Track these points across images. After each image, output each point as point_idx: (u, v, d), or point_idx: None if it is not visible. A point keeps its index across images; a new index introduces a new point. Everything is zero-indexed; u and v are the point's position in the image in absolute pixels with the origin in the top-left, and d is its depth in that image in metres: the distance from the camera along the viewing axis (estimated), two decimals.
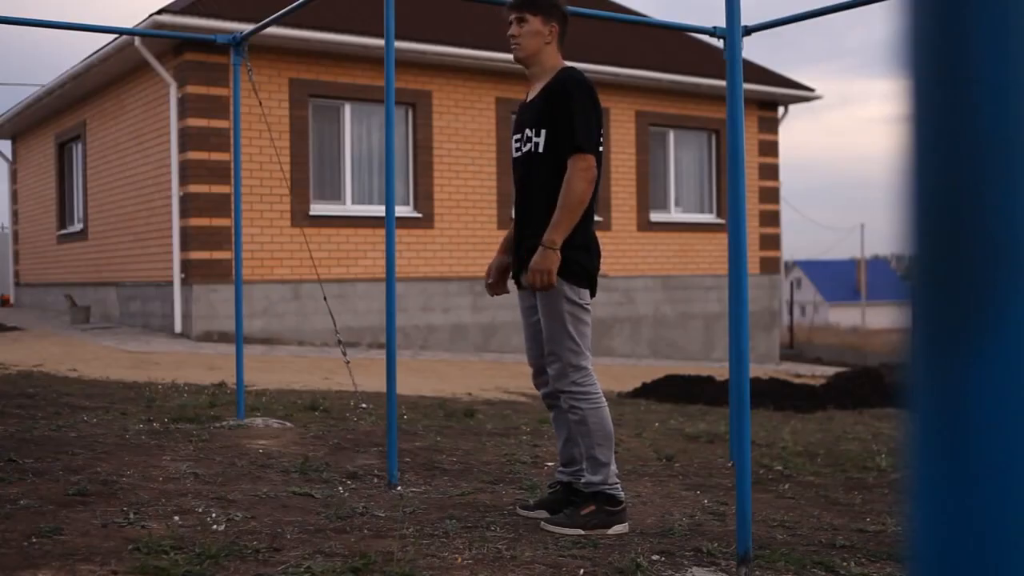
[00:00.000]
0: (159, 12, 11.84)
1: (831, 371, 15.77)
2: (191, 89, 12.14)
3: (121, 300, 14.53)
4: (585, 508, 3.69)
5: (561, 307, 3.68)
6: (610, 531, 3.67)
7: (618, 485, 3.74)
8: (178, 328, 12.54)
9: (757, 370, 14.07)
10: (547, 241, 3.60)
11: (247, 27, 7.19)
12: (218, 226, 12.25)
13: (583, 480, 3.76)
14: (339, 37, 12.44)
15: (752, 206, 16.71)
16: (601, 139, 3.73)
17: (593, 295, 3.78)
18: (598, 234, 3.90)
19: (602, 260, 3.84)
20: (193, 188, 12.18)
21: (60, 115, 16.96)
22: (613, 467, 3.73)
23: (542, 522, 3.72)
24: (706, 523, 3.95)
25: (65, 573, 2.85)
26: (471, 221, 13.99)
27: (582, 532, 3.62)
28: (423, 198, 13.59)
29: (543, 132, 3.72)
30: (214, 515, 3.62)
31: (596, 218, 3.94)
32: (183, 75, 12.23)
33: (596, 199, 3.74)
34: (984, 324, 0.47)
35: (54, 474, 4.20)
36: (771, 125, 17.03)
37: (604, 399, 3.78)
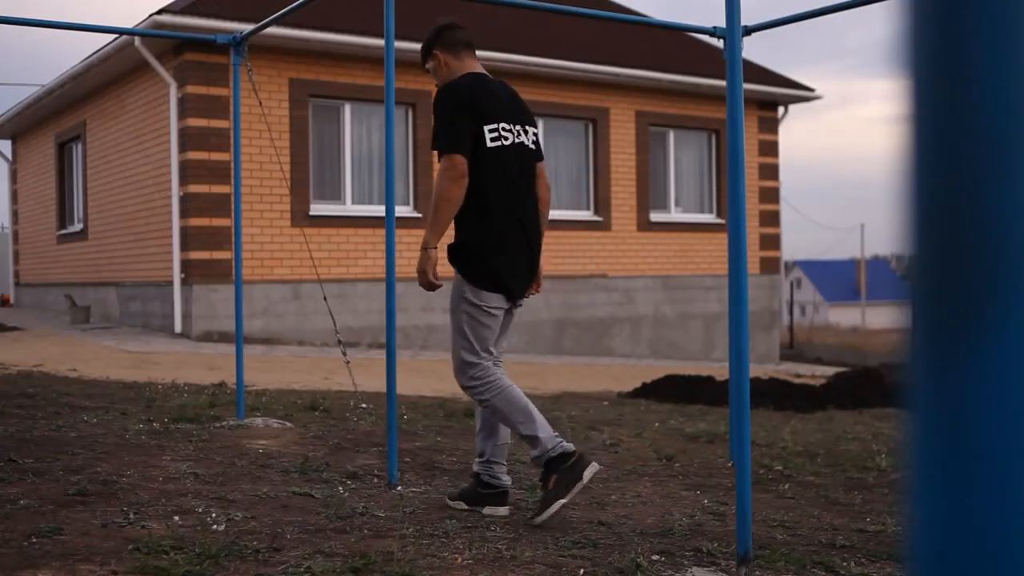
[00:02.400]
0: (159, 12, 11.84)
1: (831, 371, 15.77)
2: (191, 89, 12.14)
3: (121, 300, 14.53)
4: (550, 481, 3.70)
5: (459, 307, 3.76)
6: (585, 475, 3.68)
7: (561, 443, 3.72)
8: (178, 328, 12.55)
9: (757, 370, 14.07)
10: (423, 242, 3.68)
11: (247, 27, 7.19)
12: (218, 226, 12.25)
13: (531, 458, 3.81)
14: (339, 37, 12.44)
15: (752, 206, 16.71)
16: (494, 135, 3.71)
17: (512, 296, 3.79)
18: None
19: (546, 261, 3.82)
20: (193, 188, 12.18)
21: (60, 115, 16.96)
22: (544, 433, 3.69)
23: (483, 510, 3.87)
24: (706, 523, 3.96)
25: (65, 573, 2.85)
26: None
27: (563, 501, 3.66)
28: (423, 198, 13.59)
29: None
30: (214, 515, 3.62)
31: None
32: (183, 75, 12.23)
33: (517, 200, 3.75)
34: (984, 324, 0.47)
35: (54, 474, 4.20)
36: (771, 125, 17.03)
37: (505, 381, 3.78)
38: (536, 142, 3.93)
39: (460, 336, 3.77)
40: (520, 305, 3.95)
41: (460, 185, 3.63)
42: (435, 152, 3.76)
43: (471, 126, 3.68)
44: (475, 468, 4.00)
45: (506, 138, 3.74)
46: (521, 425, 3.73)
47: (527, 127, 3.88)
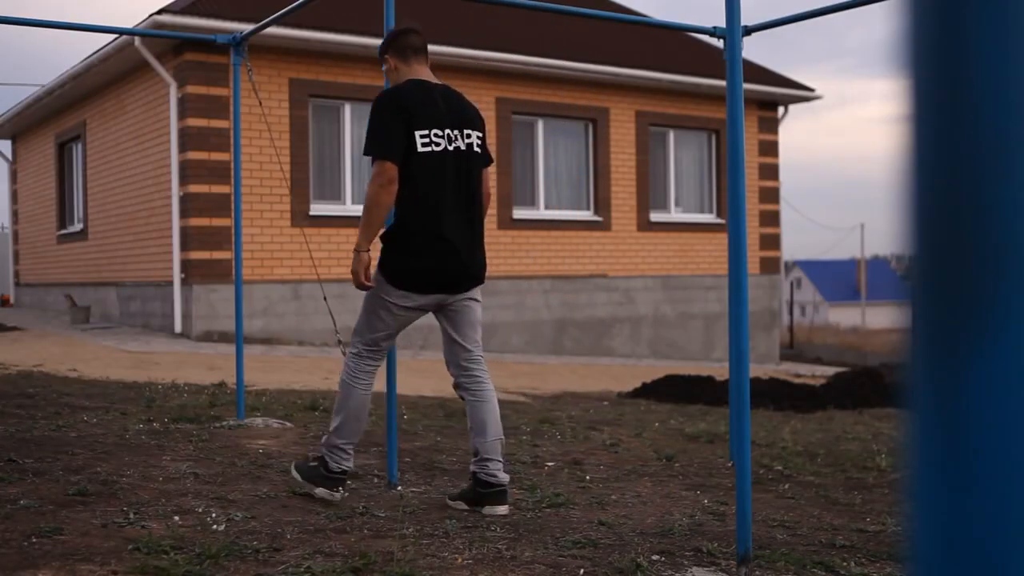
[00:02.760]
0: (159, 12, 11.83)
1: (831, 371, 15.77)
2: (191, 89, 12.14)
3: (121, 300, 14.53)
4: (319, 466, 4.03)
5: (370, 294, 3.95)
6: (316, 491, 3.97)
7: (339, 456, 3.97)
8: (178, 328, 12.54)
9: (757, 370, 14.07)
10: (355, 245, 3.85)
11: (247, 27, 7.18)
12: (218, 226, 12.25)
13: (322, 439, 4.07)
14: (339, 37, 12.44)
15: (752, 206, 16.71)
16: (425, 141, 3.84)
17: (436, 291, 3.92)
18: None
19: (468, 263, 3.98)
20: (193, 188, 12.18)
21: (60, 115, 16.96)
22: (340, 440, 3.97)
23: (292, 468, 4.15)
24: (706, 523, 3.95)
25: (65, 573, 2.85)
26: None
27: (300, 479, 4.03)
28: None
29: None
30: (214, 515, 3.62)
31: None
32: (183, 75, 12.23)
33: (447, 203, 3.88)
34: (984, 324, 0.47)
35: (54, 474, 4.20)
36: (771, 125, 17.03)
37: (362, 382, 3.99)
38: (481, 146, 4.03)
39: (360, 320, 4.01)
40: (479, 296, 4.11)
41: (389, 191, 3.78)
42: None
43: (402, 131, 3.80)
44: (472, 468, 4.04)
45: (438, 144, 3.85)
46: (336, 416, 4.02)
47: (468, 131, 3.97)
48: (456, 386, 4.15)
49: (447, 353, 4.12)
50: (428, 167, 3.83)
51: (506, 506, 3.97)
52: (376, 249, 3.95)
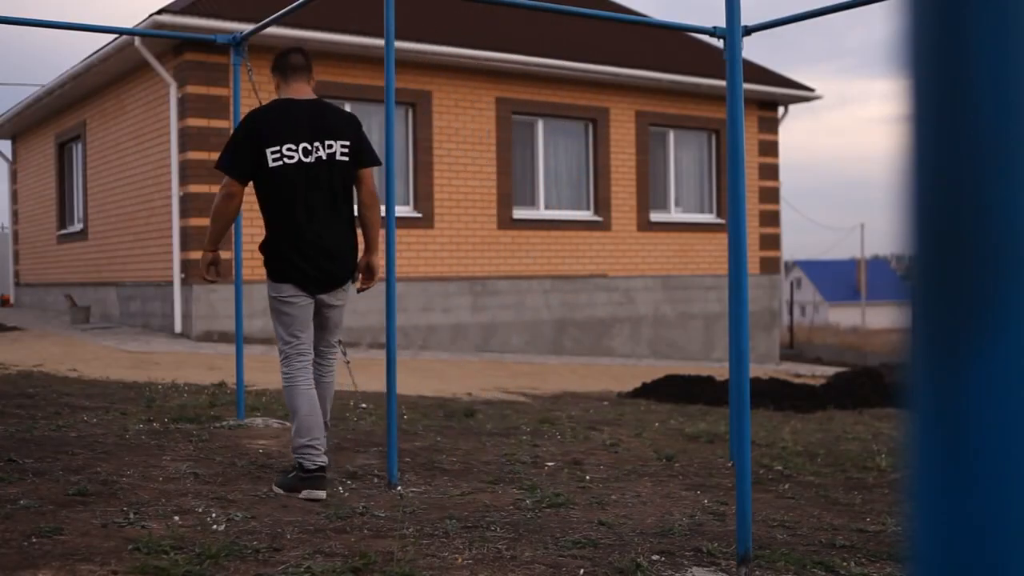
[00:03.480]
0: (159, 12, 11.83)
1: (831, 371, 15.77)
2: (191, 89, 12.14)
3: (121, 300, 14.53)
4: (291, 471, 4.26)
5: (270, 301, 4.40)
6: (302, 495, 4.09)
7: (309, 454, 4.16)
8: (178, 328, 12.54)
9: (757, 370, 14.07)
10: (204, 245, 4.47)
11: (247, 27, 7.18)
12: None
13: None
14: (339, 37, 12.44)
15: (752, 206, 16.70)
16: (275, 156, 4.22)
17: (306, 288, 4.29)
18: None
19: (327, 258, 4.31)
20: (193, 188, 12.18)
21: (60, 115, 16.96)
22: (304, 439, 4.17)
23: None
24: (706, 523, 3.95)
25: (65, 573, 2.85)
26: (471, 221, 13.99)
27: (282, 492, 4.14)
28: (423, 198, 13.59)
29: None
30: (214, 515, 3.62)
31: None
32: (183, 75, 12.23)
33: (306, 206, 4.24)
34: (984, 324, 0.47)
35: (54, 474, 4.20)
36: (771, 125, 17.03)
37: (301, 380, 4.27)
38: (348, 152, 4.32)
39: (275, 328, 4.40)
40: (339, 301, 4.45)
41: (229, 202, 4.28)
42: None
43: (252, 149, 4.22)
44: (293, 455, 4.26)
45: (291, 157, 4.22)
46: (295, 423, 4.24)
47: (331, 142, 4.29)
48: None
49: (314, 338, 4.49)
50: (280, 180, 4.22)
51: (324, 490, 4.14)
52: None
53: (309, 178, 4.23)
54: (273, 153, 4.20)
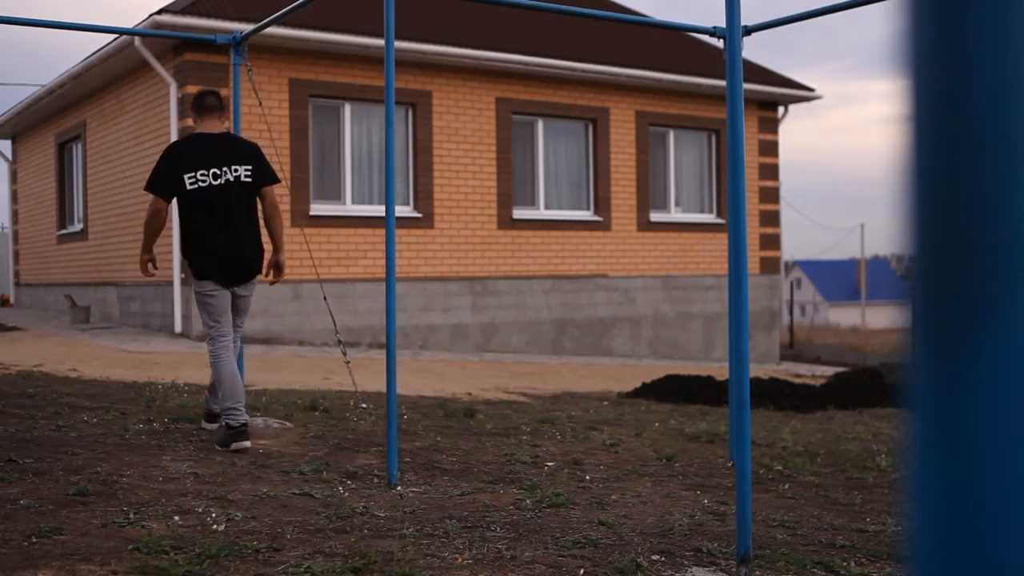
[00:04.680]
0: (159, 12, 11.83)
1: (831, 371, 15.77)
2: (191, 89, 12.14)
3: (121, 300, 14.53)
4: (219, 428, 5.33)
5: (195, 297, 5.41)
6: (233, 446, 5.04)
7: (233, 414, 5.12)
8: (178, 328, 12.54)
9: (757, 370, 14.07)
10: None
11: (247, 27, 7.18)
12: None
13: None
14: (339, 37, 12.44)
15: (752, 206, 16.70)
16: (192, 180, 5.27)
17: (222, 282, 5.34)
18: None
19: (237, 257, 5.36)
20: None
21: (60, 115, 16.96)
22: (229, 403, 5.15)
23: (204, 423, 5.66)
24: (706, 523, 3.95)
25: (65, 573, 2.85)
26: (471, 221, 13.99)
27: (220, 447, 5.08)
28: (423, 198, 13.59)
29: None
30: (214, 515, 3.63)
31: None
32: (183, 75, 12.23)
33: (218, 219, 5.29)
34: (984, 324, 0.47)
35: (54, 474, 4.20)
36: (771, 125, 17.03)
37: (223, 356, 5.28)
38: (251, 174, 5.38)
39: (200, 313, 5.42)
40: (247, 292, 5.48)
41: (155, 216, 5.33)
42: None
43: (172, 175, 5.27)
44: (222, 418, 5.21)
45: (203, 181, 5.27)
46: (221, 390, 5.24)
47: (236, 167, 5.33)
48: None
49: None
50: (195, 199, 5.28)
51: (249, 441, 5.14)
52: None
53: (219, 196, 5.28)
54: (190, 178, 5.25)
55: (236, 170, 5.33)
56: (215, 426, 5.51)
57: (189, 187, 5.24)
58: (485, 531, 3.61)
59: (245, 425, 5.12)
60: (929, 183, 0.49)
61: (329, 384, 9.02)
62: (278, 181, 5.54)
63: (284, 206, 12.61)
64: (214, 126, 5.42)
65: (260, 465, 4.70)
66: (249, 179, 5.36)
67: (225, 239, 5.28)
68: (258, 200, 5.47)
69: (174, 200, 5.36)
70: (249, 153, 5.41)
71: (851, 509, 4.43)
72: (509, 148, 14.29)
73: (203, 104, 5.44)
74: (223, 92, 12.02)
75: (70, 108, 16.38)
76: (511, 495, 4.32)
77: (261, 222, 5.52)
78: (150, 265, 5.53)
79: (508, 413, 7.55)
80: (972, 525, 0.47)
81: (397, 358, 4.58)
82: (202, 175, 5.26)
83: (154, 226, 5.37)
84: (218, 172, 5.28)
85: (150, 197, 5.32)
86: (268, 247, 5.60)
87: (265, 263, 5.55)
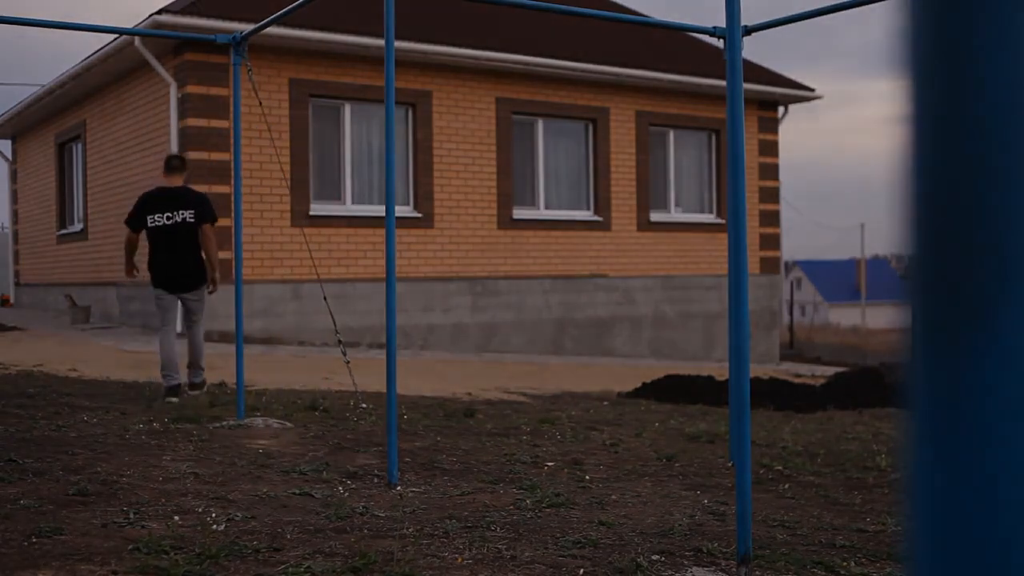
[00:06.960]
0: (159, 12, 11.83)
1: (831, 371, 15.77)
2: (191, 89, 12.14)
3: (121, 300, 14.53)
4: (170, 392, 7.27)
5: (154, 299, 7.55)
6: (166, 401, 6.92)
7: (167, 379, 7.20)
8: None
9: (757, 370, 14.07)
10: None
11: (247, 27, 7.18)
12: (218, 226, 12.22)
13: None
14: (339, 37, 12.44)
15: (752, 206, 16.70)
16: (152, 220, 7.34)
17: (168, 289, 7.41)
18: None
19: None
20: (193, 188, 12.17)
21: (60, 115, 16.96)
22: (163, 371, 7.23)
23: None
24: (706, 523, 3.95)
25: (65, 573, 2.85)
26: (471, 221, 13.99)
27: (157, 405, 6.82)
28: (423, 198, 13.59)
29: None
30: (214, 515, 3.63)
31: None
32: (183, 75, 12.23)
33: (165, 247, 7.35)
34: (984, 324, 0.47)
35: (54, 474, 4.20)
36: (771, 125, 17.03)
37: (167, 340, 7.31)
38: (193, 216, 7.32)
39: (155, 310, 7.55)
40: (196, 297, 7.50)
41: (128, 242, 7.45)
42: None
43: (140, 216, 7.35)
44: (162, 381, 7.31)
45: (157, 221, 7.29)
46: (160, 362, 7.29)
47: (182, 211, 7.30)
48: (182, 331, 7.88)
49: (183, 318, 7.86)
50: (155, 233, 7.32)
51: (176, 398, 7.08)
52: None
53: (170, 232, 7.29)
54: (151, 218, 7.31)
55: (182, 214, 7.35)
56: (197, 393, 7.43)
57: (150, 224, 7.34)
58: (485, 531, 3.61)
59: (175, 387, 7.19)
60: (929, 183, 0.49)
61: (329, 384, 9.02)
62: (215, 220, 7.58)
63: (284, 206, 12.63)
64: (175, 181, 7.49)
65: (260, 465, 4.70)
66: (192, 220, 7.37)
67: (170, 260, 7.35)
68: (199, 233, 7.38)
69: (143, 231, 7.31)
70: (195, 202, 7.43)
71: (851, 509, 4.43)
72: (509, 148, 14.29)
73: (170, 165, 7.54)
74: (223, 92, 12.06)
75: (70, 108, 16.37)
76: (511, 495, 4.32)
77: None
78: (133, 271, 7.55)
79: (508, 413, 7.55)
80: (971, 524, 0.47)
81: (397, 358, 4.58)
82: (159, 216, 7.35)
83: (129, 249, 7.48)
84: (171, 215, 7.33)
85: None
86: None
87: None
